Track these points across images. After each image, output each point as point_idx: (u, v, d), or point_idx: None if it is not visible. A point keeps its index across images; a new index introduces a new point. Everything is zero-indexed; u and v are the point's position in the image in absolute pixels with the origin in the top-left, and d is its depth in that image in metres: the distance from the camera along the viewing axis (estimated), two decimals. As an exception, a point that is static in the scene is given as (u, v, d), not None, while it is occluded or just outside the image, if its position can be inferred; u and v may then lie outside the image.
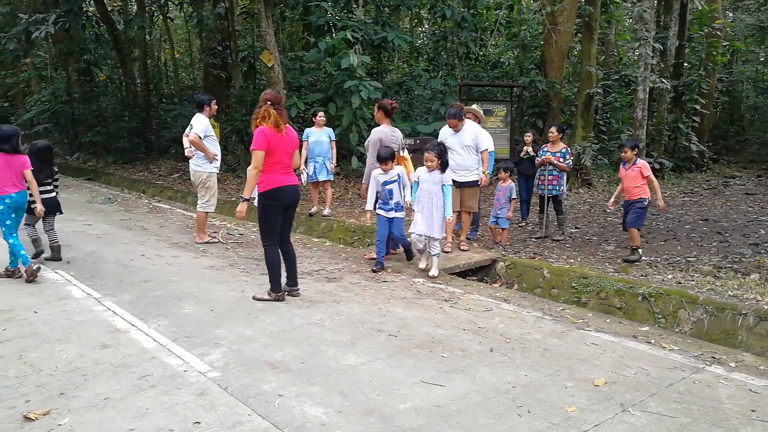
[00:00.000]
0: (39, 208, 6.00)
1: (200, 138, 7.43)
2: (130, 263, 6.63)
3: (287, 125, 5.28)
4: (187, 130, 7.66)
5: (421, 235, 6.23)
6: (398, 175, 6.52)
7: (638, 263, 6.58)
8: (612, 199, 7.23)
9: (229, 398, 3.43)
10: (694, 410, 3.40)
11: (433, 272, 6.27)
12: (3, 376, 3.66)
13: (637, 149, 6.92)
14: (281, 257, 5.35)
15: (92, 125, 18.15)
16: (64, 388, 3.51)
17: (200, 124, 7.46)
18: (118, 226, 9.00)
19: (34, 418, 3.15)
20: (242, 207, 5.19)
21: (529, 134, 9.00)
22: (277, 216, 5.23)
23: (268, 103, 5.14)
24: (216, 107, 7.84)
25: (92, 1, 16.22)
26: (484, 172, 7.14)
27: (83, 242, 7.65)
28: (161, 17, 17.82)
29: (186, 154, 7.82)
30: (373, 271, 6.49)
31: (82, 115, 18.26)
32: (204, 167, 7.64)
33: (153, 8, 17.81)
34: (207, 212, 7.91)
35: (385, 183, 6.51)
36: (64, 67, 18.94)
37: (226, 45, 15.35)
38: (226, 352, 4.13)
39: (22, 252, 5.76)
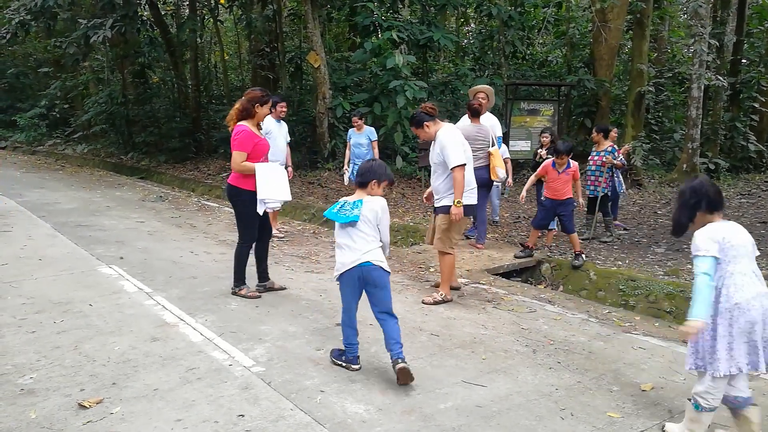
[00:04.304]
0: None
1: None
2: (179, 260, 6.83)
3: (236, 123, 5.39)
4: None
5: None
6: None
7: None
8: (523, 193, 6.92)
9: (272, 393, 3.50)
10: (748, 419, 3.27)
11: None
12: (60, 365, 3.84)
13: (571, 152, 6.68)
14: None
15: (145, 126, 18.81)
16: (116, 378, 3.65)
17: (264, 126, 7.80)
18: (168, 223, 9.27)
19: (88, 406, 3.29)
20: None
21: (546, 135, 8.13)
22: None
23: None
24: (282, 109, 7.90)
25: (147, 6, 16.75)
26: (455, 202, 5.02)
27: (136, 239, 7.92)
28: (212, 20, 18.27)
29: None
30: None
31: (136, 116, 18.97)
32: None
33: (204, 12, 18.30)
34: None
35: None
36: (119, 70, 19.71)
37: (273, 46, 15.66)
38: (270, 347, 4.21)
39: None
